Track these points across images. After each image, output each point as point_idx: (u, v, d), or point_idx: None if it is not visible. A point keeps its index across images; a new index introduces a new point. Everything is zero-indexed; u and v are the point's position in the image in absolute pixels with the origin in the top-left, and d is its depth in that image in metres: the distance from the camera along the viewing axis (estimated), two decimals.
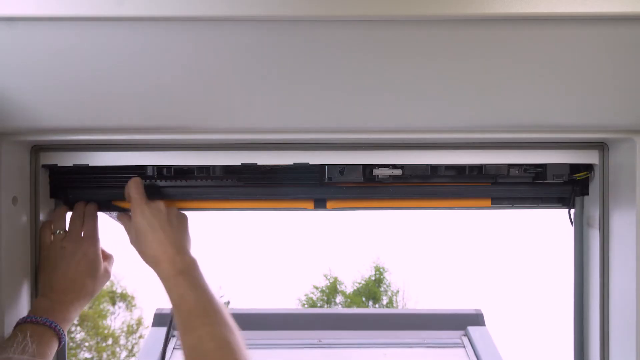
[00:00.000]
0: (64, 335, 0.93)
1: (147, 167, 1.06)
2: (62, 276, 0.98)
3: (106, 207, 1.08)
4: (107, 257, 1.07)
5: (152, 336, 2.49)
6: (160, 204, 1.00)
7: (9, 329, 0.93)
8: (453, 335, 2.61)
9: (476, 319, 2.67)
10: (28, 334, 0.87)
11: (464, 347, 2.54)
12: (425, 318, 2.71)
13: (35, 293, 1.00)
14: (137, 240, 0.98)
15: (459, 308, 2.80)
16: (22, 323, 0.91)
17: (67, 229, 1.03)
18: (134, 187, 0.99)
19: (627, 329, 0.96)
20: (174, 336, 2.49)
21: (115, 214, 1.08)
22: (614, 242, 1.01)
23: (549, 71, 0.80)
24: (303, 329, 2.55)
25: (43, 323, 0.91)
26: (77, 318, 1.00)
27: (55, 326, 0.92)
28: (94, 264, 1.01)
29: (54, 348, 0.92)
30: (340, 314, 2.97)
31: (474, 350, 2.48)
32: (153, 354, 2.35)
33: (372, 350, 2.49)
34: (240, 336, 0.87)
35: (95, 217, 1.06)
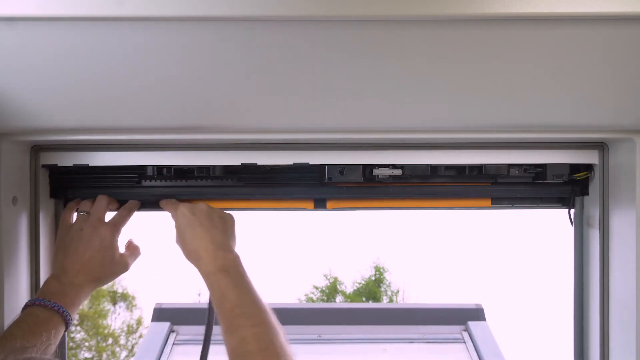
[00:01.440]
0: (71, 320, 0.93)
1: (147, 167, 1.06)
2: (76, 258, 0.97)
3: (150, 206, 1.08)
4: (133, 249, 1.06)
5: (152, 331, 2.49)
6: (202, 204, 1.01)
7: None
8: (453, 330, 2.62)
9: (476, 314, 2.67)
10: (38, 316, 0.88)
11: (464, 342, 2.54)
12: (426, 313, 2.71)
13: (35, 293, 1.00)
14: (178, 237, 1.00)
15: (459, 303, 2.79)
16: (30, 305, 0.91)
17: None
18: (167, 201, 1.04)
19: (627, 329, 0.96)
20: (173, 331, 2.50)
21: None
22: (614, 242, 1.00)
23: (549, 71, 0.80)
24: (303, 323, 2.55)
25: (51, 307, 0.90)
26: (85, 302, 0.99)
27: (63, 311, 0.91)
28: (109, 251, 1.00)
29: (60, 332, 0.92)
30: (340, 309, 2.97)
31: (474, 345, 2.48)
32: (153, 349, 2.36)
33: (372, 346, 2.49)
34: (284, 336, 0.86)
35: (130, 211, 1.05)
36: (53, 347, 0.90)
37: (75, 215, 1.04)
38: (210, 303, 1.00)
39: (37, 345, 0.83)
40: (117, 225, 1.02)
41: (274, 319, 0.89)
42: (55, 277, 0.96)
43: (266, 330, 0.85)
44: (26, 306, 0.91)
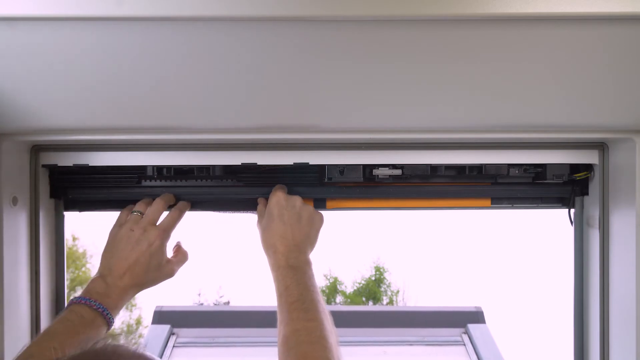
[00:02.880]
0: (113, 323, 0.94)
1: (147, 167, 1.06)
2: (123, 261, 0.97)
3: (202, 206, 1.09)
4: (181, 254, 1.06)
5: (151, 333, 2.49)
6: (297, 200, 1.03)
7: (8, 328, 0.93)
8: (453, 332, 2.61)
9: (476, 316, 2.67)
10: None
11: (464, 344, 2.53)
12: (426, 315, 2.71)
13: (35, 294, 1.00)
14: (264, 226, 1.02)
15: (459, 306, 2.79)
16: (76, 302, 0.91)
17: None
18: (279, 187, 1.05)
19: (627, 329, 0.96)
20: (174, 334, 2.50)
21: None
22: (614, 242, 1.00)
23: (549, 71, 0.80)
24: None
25: (96, 309, 0.91)
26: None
27: (107, 314, 0.92)
28: (156, 257, 0.99)
29: (101, 334, 0.92)
30: (340, 312, 2.96)
31: (474, 347, 2.48)
32: (153, 351, 2.35)
33: (372, 348, 2.48)
34: (335, 337, 0.89)
35: (181, 212, 1.05)
36: None
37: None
38: None
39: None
40: (167, 230, 1.01)
41: (329, 321, 0.92)
42: (102, 277, 0.96)
43: (319, 326, 0.88)
44: (72, 303, 0.92)
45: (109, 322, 0.93)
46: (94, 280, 0.96)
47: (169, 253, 1.04)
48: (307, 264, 0.99)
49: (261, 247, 1.04)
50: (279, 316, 0.93)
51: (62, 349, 0.76)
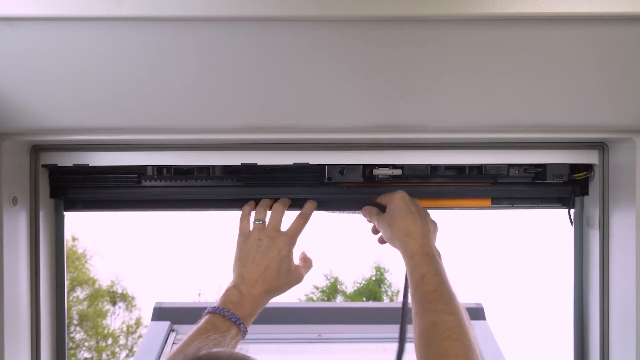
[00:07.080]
0: (246, 331, 0.96)
1: (147, 167, 1.06)
2: (254, 268, 0.99)
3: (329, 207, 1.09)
4: (306, 260, 1.08)
5: (151, 330, 2.49)
6: (416, 200, 1.04)
7: (8, 328, 0.93)
8: None
9: (477, 313, 2.66)
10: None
11: None
12: None
13: (35, 294, 1.00)
14: (390, 221, 1.02)
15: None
16: (212, 312, 0.94)
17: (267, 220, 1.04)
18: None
19: (627, 329, 0.96)
20: (173, 331, 2.50)
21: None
22: (614, 242, 1.00)
23: (549, 71, 0.80)
24: (303, 323, 2.55)
25: (229, 318, 0.94)
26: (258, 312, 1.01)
27: (240, 323, 0.94)
28: (286, 262, 1.01)
29: (237, 342, 0.94)
30: (340, 308, 2.96)
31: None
32: (153, 348, 2.35)
33: (372, 345, 2.48)
34: (475, 336, 0.87)
35: (306, 219, 1.06)
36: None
37: (252, 223, 1.05)
38: (406, 281, 1.01)
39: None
40: (293, 236, 1.04)
41: (466, 316, 0.90)
42: (236, 286, 0.98)
43: (458, 321, 0.87)
44: (208, 312, 0.94)
45: (243, 332, 0.95)
46: (228, 289, 0.99)
47: (295, 260, 1.05)
48: (440, 254, 0.98)
49: (389, 244, 1.04)
50: (413, 307, 0.92)
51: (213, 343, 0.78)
